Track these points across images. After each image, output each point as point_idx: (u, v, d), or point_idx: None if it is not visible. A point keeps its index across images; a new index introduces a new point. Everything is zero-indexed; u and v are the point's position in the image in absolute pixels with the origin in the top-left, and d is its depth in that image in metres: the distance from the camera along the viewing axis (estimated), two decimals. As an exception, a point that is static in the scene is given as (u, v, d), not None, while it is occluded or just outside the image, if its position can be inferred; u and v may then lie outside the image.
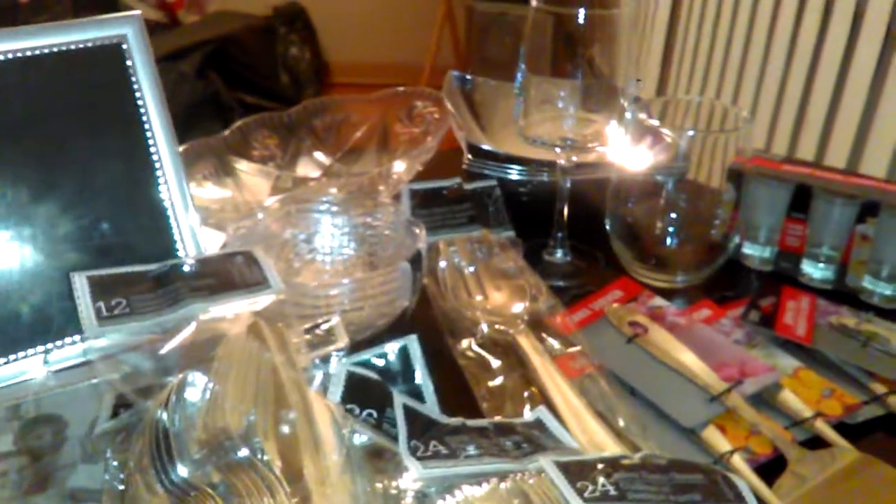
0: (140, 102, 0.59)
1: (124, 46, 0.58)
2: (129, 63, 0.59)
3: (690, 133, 0.64)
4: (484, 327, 0.59)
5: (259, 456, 0.38)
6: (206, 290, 0.47)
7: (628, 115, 0.65)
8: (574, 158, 0.66)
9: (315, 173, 0.85)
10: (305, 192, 0.65)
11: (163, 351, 0.43)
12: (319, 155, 0.87)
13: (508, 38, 2.60)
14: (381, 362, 0.49)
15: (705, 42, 1.64)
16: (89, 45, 0.58)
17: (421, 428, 0.43)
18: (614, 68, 0.65)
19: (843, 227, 0.65)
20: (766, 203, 0.68)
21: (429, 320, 0.61)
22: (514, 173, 0.74)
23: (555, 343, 0.59)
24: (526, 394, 0.53)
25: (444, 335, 0.59)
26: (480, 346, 0.58)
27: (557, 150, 0.65)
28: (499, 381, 0.55)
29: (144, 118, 0.59)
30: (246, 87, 2.55)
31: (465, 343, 0.58)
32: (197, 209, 0.69)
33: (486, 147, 0.77)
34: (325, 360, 0.48)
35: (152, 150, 0.59)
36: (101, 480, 0.42)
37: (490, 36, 2.74)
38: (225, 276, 0.48)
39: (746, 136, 0.63)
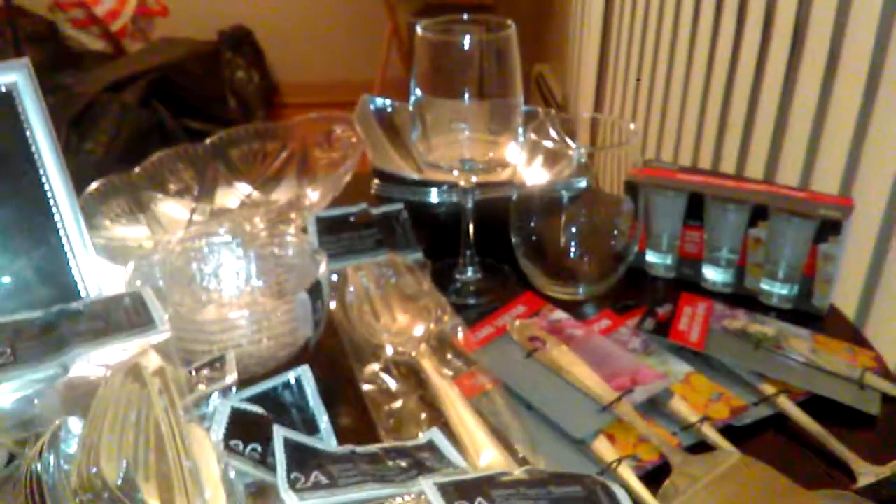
0: (32, 148, 0.59)
1: (14, 94, 0.59)
2: (19, 109, 0.59)
3: (582, 149, 0.66)
4: (388, 351, 0.60)
5: (133, 500, 0.39)
6: (91, 334, 0.48)
7: (522, 134, 0.66)
8: (473, 179, 0.68)
9: (234, 204, 0.86)
10: (209, 226, 0.66)
11: (43, 397, 0.43)
12: (238, 185, 0.88)
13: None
14: (273, 395, 0.50)
15: (635, 59, 1.67)
16: (-23, 93, 0.58)
17: (303, 459, 0.44)
18: (509, 88, 0.66)
19: (737, 231, 0.67)
20: (663, 212, 0.70)
21: (336, 349, 0.62)
22: (420, 196, 0.75)
23: (457, 362, 0.60)
24: (423, 416, 0.54)
25: (349, 362, 0.60)
26: (384, 370, 0.59)
27: (455, 172, 0.67)
28: (398, 404, 0.56)
29: (38, 163, 0.59)
30: (192, 114, 2.54)
31: (368, 368, 0.59)
32: (112, 249, 0.69)
33: (391, 172, 0.78)
34: (220, 394, 0.49)
35: (47, 193, 0.59)
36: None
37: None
38: (111, 319, 0.49)
39: (635, 149, 0.65)
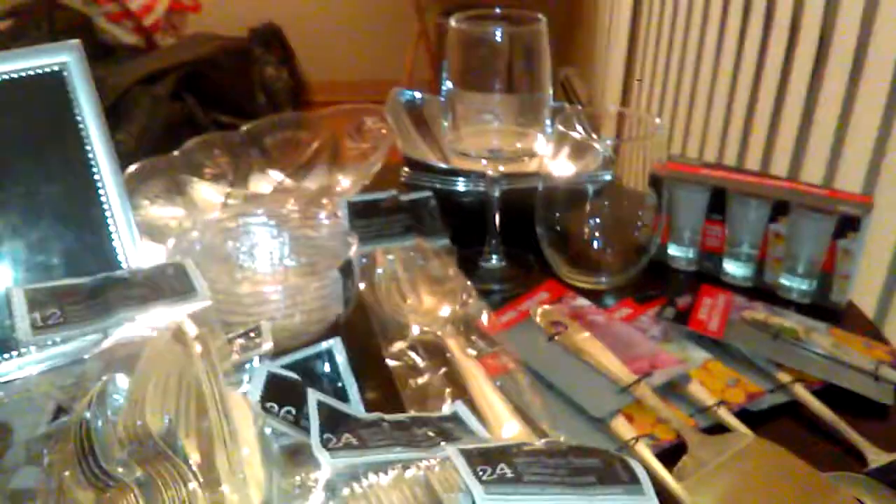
0: (81, 127, 0.62)
1: (65, 73, 0.62)
2: (69, 89, 0.62)
3: (608, 142, 0.68)
4: (414, 330, 0.62)
5: (176, 451, 0.41)
6: (136, 299, 0.50)
7: (551, 127, 0.68)
8: (501, 169, 0.70)
9: (267, 190, 0.88)
10: (246, 207, 0.68)
11: (92, 356, 0.46)
12: (271, 172, 0.90)
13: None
14: (306, 364, 0.52)
15: (662, 59, 1.69)
16: (31, 73, 0.61)
17: (335, 422, 0.46)
18: (538, 82, 0.68)
19: (758, 226, 0.69)
20: (686, 206, 0.71)
21: (364, 327, 0.64)
22: (448, 185, 0.77)
23: (481, 343, 0.62)
24: (448, 391, 0.56)
25: (378, 340, 0.63)
26: (410, 348, 0.61)
27: (484, 162, 0.69)
28: (424, 379, 0.58)
29: (86, 141, 0.62)
30: (222, 108, 2.57)
31: (395, 346, 0.61)
32: (150, 227, 0.72)
33: (420, 160, 0.81)
34: (257, 360, 0.51)
35: (94, 171, 0.62)
36: (38, 480, 0.45)
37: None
38: (155, 287, 0.52)
39: (660, 143, 0.67)
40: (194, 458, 0.42)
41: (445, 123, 0.69)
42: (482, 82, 0.68)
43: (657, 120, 0.68)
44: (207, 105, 2.53)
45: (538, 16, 0.65)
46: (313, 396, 0.46)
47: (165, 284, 0.52)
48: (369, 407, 0.54)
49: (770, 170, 1.17)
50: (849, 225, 0.65)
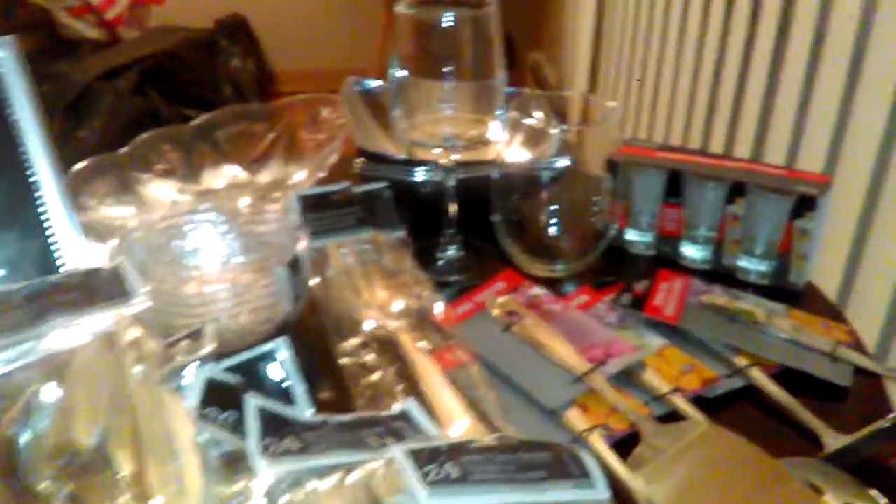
0: (16, 126, 0.60)
1: (-3, 71, 0.59)
2: (2, 87, 0.60)
3: (563, 128, 0.66)
4: (367, 326, 0.61)
5: (107, 463, 0.40)
6: (69, 304, 0.48)
7: (504, 113, 0.67)
8: (455, 157, 0.68)
9: (220, 185, 0.86)
10: (191, 204, 0.66)
11: (19, 367, 0.44)
12: (225, 166, 0.88)
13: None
14: (250, 366, 0.51)
15: (628, 44, 1.68)
16: (-41, 71, 0.58)
17: (277, 427, 0.45)
18: (490, 67, 0.66)
19: (715, 209, 0.68)
20: (643, 190, 0.70)
21: (317, 325, 0.63)
22: (403, 175, 0.76)
23: (436, 337, 0.60)
24: (399, 388, 0.55)
25: (330, 338, 0.61)
26: (362, 345, 0.59)
27: (437, 150, 0.67)
28: (375, 377, 0.56)
29: (21, 142, 0.60)
30: (187, 101, 2.54)
31: (347, 343, 0.60)
32: (98, 228, 0.70)
33: (374, 150, 0.79)
34: (195, 366, 0.50)
35: (30, 173, 0.60)
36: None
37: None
38: (90, 291, 0.50)
39: (614, 127, 0.66)
40: (126, 470, 0.41)
41: (396, 112, 0.67)
42: (433, 69, 0.66)
43: (610, 104, 0.67)
44: (172, 99, 2.49)
45: (488, 0, 0.64)
46: (252, 401, 0.45)
47: (100, 288, 0.50)
48: (321, 408, 0.52)
49: (734, 152, 1.16)
50: (805, 205, 0.64)
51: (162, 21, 3.16)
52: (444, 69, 0.66)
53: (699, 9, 1.31)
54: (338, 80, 0.95)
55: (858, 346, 0.61)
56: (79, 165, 0.78)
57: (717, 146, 1.22)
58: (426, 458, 0.43)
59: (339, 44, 3.31)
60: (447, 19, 0.62)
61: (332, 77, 0.98)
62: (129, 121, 2.29)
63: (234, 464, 0.44)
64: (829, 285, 0.89)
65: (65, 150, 0.63)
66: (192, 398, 0.45)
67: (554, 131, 0.69)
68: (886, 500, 0.45)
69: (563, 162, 0.71)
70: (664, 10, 1.47)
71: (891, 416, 0.48)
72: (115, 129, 2.26)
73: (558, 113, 0.73)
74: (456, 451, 0.44)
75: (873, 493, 0.45)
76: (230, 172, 0.87)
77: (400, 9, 0.63)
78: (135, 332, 0.48)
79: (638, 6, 1.63)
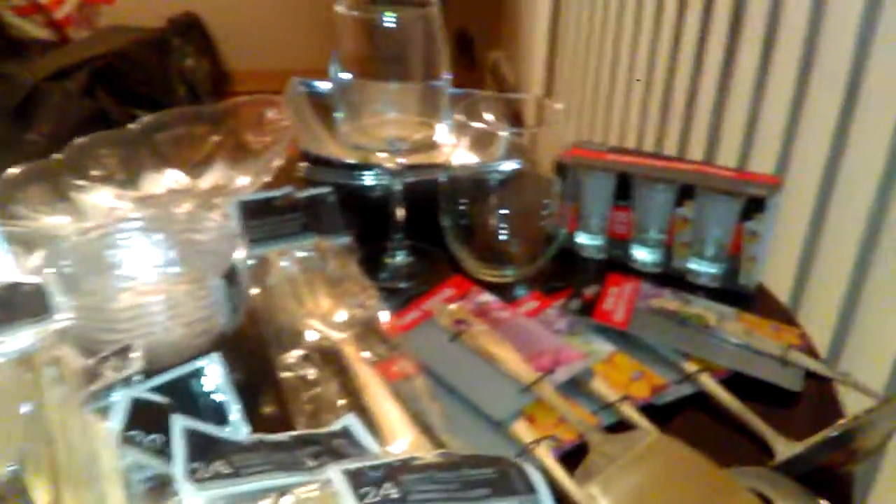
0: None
1: None
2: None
3: (511, 130, 0.65)
4: (309, 337, 0.59)
5: (22, 493, 0.37)
6: (-15, 323, 0.46)
7: (449, 116, 0.65)
8: (401, 161, 0.66)
9: (160, 191, 0.83)
10: (127, 212, 0.64)
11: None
12: (167, 170, 0.85)
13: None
14: (180, 384, 0.48)
15: (582, 44, 1.68)
16: None
17: (206, 449, 0.42)
18: (434, 69, 0.65)
19: (664, 211, 0.67)
20: (593, 193, 0.69)
21: (257, 337, 0.61)
22: (349, 179, 0.74)
23: (381, 348, 0.59)
24: (342, 402, 0.53)
25: (271, 351, 0.59)
26: (305, 357, 0.57)
27: (382, 154, 0.65)
28: (317, 391, 0.54)
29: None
30: (139, 103, 2.48)
31: (288, 356, 0.57)
32: (30, 239, 0.67)
33: (318, 154, 0.77)
34: (123, 385, 0.47)
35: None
36: None
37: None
38: (7, 307, 0.47)
39: (561, 129, 0.64)
40: (43, 499, 0.38)
41: (340, 115, 0.65)
42: (376, 71, 0.65)
43: (558, 106, 0.65)
44: (123, 100, 2.44)
45: (430, 0, 0.62)
46: (178, 423, 0.42)
47: (20, 304, 0.47)
48: (259, 425, 0.50)
49: (688, 153, 1.16)
50: (754, 206, 0.63)
51: (112, 21, 3.08)
52: (388, 71, 0.64)
53: (651, 9, 1.30)
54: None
55: (809, 350, 0.60)
56: (11, 171, 0.75)
57: (671, 147, 1.22)
58: (364, 479, 0.41)
59: (297, 42, 3.26)
60: (389, 20, 0.61)
61: (288, 76, 0.96)
62: (78, 123, 2.23)
63: (162, 489, 0.42)
64: (781, 288, 0.89)
65: (13, 155, 0.60)
66: (116, 420, 0.43)
67: (502, 134, 0.67)
68: (833, 508, 0.44)
69: (511, 165, 0.69)
70: (618, 9, 1.46)
71: (840, 423, 0.47)
72: (63, 132, 2.19)
73: (508, 115, 0.72)
74: (396, 470, 0.42)
75: (823, 503, 0.44)
76: (171, 177, 0.85)
77: (340, 9, 0.61)
78: (56, 351, 0.46)
79: (592, 5, 1.62)
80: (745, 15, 1.02)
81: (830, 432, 0.46)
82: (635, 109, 1.38)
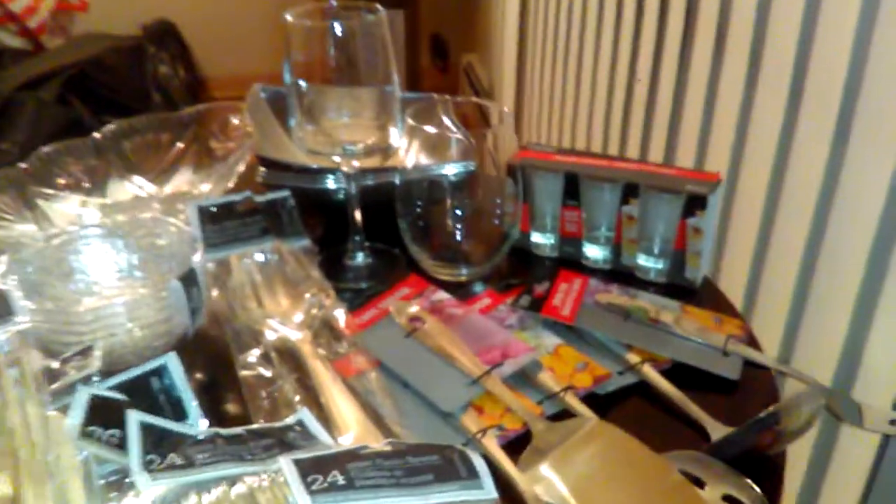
0: None
1: None
2: None
3: (461, 133, 0.67)
4: (268, 336, 0.61)
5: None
6: (-53, 327, 0.47)
7: (401, 120, 0.67)
8: (356, 164, 0.69)
9: (126, 198, 0.85)
10: (88, 218, 0.65)
11: None
12: (133, 177, 0.87)
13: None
14: (139, 383, 0.50)
15: (550, 47, 1.71)
16: None
17: (161, 443, 0.44)
18: (385, 74, 0.67)
19: (611, 209, 0.70)
20: (544, 193, 0.72)
21: (218, 339, 0.62)
22: (307, 183, 0.76)
23: (338, 345, 0.61)
24: (298, 398, 0.55)
25: (232, 351, 0.61)
26: (263, 356, 0.59)
27: (337, 158, 0.68)
28: (274, 388, 0.56)
29: None
30: (113, 111, 2.48)
31: (247, 355, 0.59)
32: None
33: (275, 158, 0.79)
34: (83, 384, 0.49)
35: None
36: None
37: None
38: (-31, 312, 0.49)
39: (508, 131, 0.67)
40: (3, 492, 0.40)
41: (294, 120, 0.67)
42: (327, 76, 0.67)
43: (506, 109, 0.68)
44: (97, 108, 2.44)
45: (377, 6, 0.64)
46: (133, 417, 0.44)
47: (-19, 309, 0.49)
48: (219, 422, 0.52)
49: (649, 154, 1.19)
50: (696, 203, 0.66)
51: (87, 29, 3.08)
52: (340, 76, 0.66)
53: (612, 15, 1.33)
54: (272, 83, 0.94)
55: (751, 340, 0.63)
56: (-26, 182, 0.76)
57: (633, 146, 1.25)
58: (312, 467, 0.44)
59: (271, 48, 3.28)
60: (336, 28, 0.63)
61: (265, 81, 0.97)
62: (52, 132, 2.23)
63: (123, 482, 0.44)
64: (735, 284, 0.92)
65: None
66: (75, 416, 0.44)
67: (454, 136, 0.69)
68: (760, 490, 0.47)
69: (464, 167, 0.72)
70: (580, 15, 1.50)
71: (770, 408, 0.50)
72: (37, 141, 2.18)
73: (470, 118, 0.74)
74: (343, 458, 0.44)
75: (749, 482, 0.47)
76: (137, 184, 0.86)
77: (289, 18, 0.63)
78: (18, 352, 0.48)
79: (558, 10, 1.65)
80: (697, 22, 1.05)
81: (759, 415, 0.49)
82: (599, 113, 1.41)
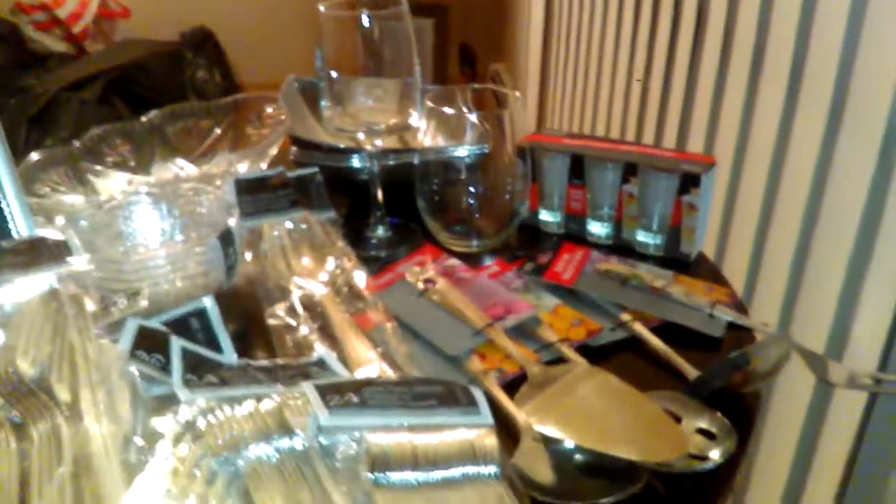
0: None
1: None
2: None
3: (477, 114, 0.74)
4: (295, 293, 0.67)
5: (46, 391, 0.46)
6: (19, 264, 0.54)
7: (421, 104, 0.74)
8: (378, 143, 0.75)
9: (168, 177, 0.92)
10: (134, 188, 0.72)
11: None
12: (175, 159, 0.94)
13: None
14: (181, 321, 0.57)
15: (573, 53, 1.77)
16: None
17: (200, 367, 0.51)
18: (407, 65, 0.73)
19: (614, 188, 0.75)
20: (552, 173, 0.78)
21: (250, 295, 0.69)
22: (333, 161, 0.83)
23: (358, 303, 0.67)
24: (319, 343, 0.61)
25: (262, 306, 0.67)
26: (290, 308, 0.66)
27: (361, 136, 0.74)
28: (300, 334, 0.63)
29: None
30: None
31: (276, 307, 0.66)
32: (50, 213, 0.76)
33: (306, 138, 0.86)
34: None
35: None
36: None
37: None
38: (36, 254, 0.56)
39: (521, 115, 0.73)
40: (63, 397, 0.47)
41: (324, 104, 0.74)
42: (355, 64, 0.73)
43: (517, 94, 0.74)
44: (137, 109, 2.54)
45: (401, 1, 0.71)
46: (176, 342, 0.51)
47: (46, 253, 0.56)
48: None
49: (662, 143, 1.25)
50: (691, 182, 0.71)
51: (128, 34, 3.21)
52: (367, 66, 0.73)
53: (630, 17, 1.39)
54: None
55: (738, 306, 0.68)
56: (33, 156, 0.84)
57: (648, 138, 1.32)
58: (330, 390, 0.50)
59: (304, 56, 3.38)
60: (364, 20, 0.69)
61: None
62: (94, 130, 2.34)
63: (166, 403, 0.50)
64: (738, 261, 0.97)
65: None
66: (125, 341, 0.51)
67: (470, 120, 0.76)
68: (727, 421, 0.52)
69: (479, 149, 0.78)
70: (600, 29, 1.56)
71: (741, 350, 0.55)
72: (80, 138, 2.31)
73: (480, 103, 0.80)
74: (358, 384, 0.50)
75: (720, 415, 0.52)
76: (178, 165, 0.94)
77: (322, 9, 0.70)
78: (74, 290, 0.54)
79: (580, 21, 1.72)
80: (706, 28, 1.11)
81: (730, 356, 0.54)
82: (617, 113, 1.47)
